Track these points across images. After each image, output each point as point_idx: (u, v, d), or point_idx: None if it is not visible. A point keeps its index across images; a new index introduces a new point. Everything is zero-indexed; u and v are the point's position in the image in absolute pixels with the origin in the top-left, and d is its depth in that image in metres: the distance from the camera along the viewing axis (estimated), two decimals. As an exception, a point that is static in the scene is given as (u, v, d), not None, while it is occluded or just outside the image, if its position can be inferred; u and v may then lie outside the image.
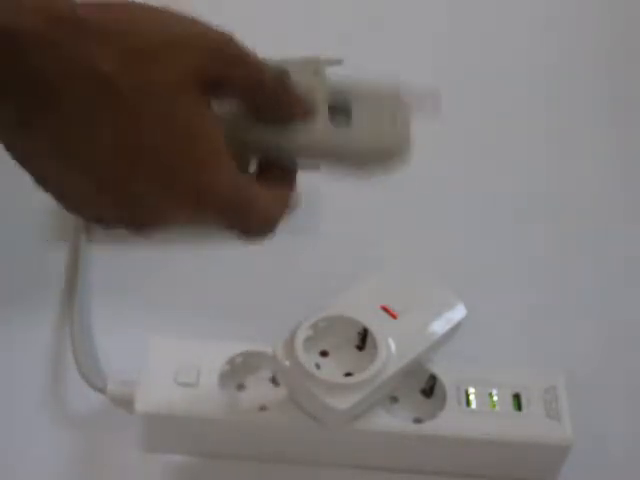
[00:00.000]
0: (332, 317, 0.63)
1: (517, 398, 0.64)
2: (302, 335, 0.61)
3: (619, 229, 0.81)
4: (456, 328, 0.65)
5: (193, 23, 0.49)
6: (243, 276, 0.75)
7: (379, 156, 0.53)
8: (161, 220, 0.49)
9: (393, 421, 0.63)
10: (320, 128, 0.51)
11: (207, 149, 0.46)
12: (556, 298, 0.76)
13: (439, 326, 0.64)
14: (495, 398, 0.64)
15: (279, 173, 0.51)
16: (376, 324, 0.63)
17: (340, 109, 0.51)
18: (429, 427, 0.63)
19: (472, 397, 0.64)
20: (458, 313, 0.65)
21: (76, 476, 0.64)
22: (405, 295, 0.65)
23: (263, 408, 0.63)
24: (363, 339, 0.63)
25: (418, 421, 0.64)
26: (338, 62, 0.87)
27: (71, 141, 0.45)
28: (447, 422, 0.63)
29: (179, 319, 0.71)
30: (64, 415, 0.66)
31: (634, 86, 0.93)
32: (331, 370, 0.61)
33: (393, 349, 0.62)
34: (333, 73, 0.57)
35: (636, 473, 0.67)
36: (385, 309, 0.64)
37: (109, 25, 0.45)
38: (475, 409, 0.63)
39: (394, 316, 0.64)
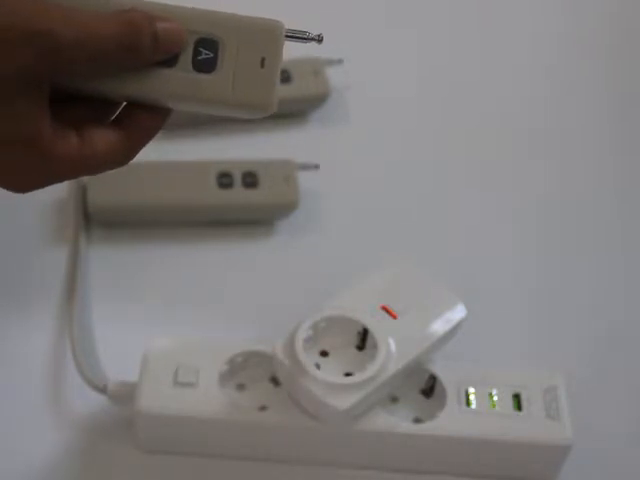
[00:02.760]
0: (332, 317, 0.63)
1: (517, 398, 0.64)
2: (302, 335, 0.61)
3: (619, 229, 0.81)
4: (456, 328, 0.65)
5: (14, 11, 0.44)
6: (243, 276, 0.75)
7: (238, 108, 0.49)
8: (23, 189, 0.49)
9: (393, 421, 0.63)
10: (178, 74, 0.48)
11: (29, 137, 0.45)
12: (556, 298, 0.76)
13: (439, 326, 0.64)
14: (495, 398, 0.64)
15: (138, 115, 0.49)
16: (376, 324, 0.63)
17: (208, 46, 0.48)
18: (429, 427, 0.63)
19: (472, 397, 0.64)
20: (458, 313, 0.65)
21: (76, 476, 0.64)
22: (405, 295, 0.65)
23: (263, 408, 0.63)
24: (363, 339, 0.63)
25: (418, 421, 0.64)
26: (338, 62, 0.87)
27: None
28: (447, 422, 0.63)
29: (179, 319, 0.71)
30: (64, 415, 0.66)
31: (634, 86, 0.93)
32: (331, 370, 0.61)
33: (393, 349, 0.62)
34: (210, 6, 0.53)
35: (636, 473, 0.67)
36: (385, 309, 0.64)
37: None
38: (475, 409, 0.63)
39: (394, 316, 0.64)
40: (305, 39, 0.51)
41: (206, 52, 0.48)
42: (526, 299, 0.76)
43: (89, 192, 0.75)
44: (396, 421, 0.63)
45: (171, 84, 0.47)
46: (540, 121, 0.89)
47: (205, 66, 0.48)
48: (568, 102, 0.91)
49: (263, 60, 0.49)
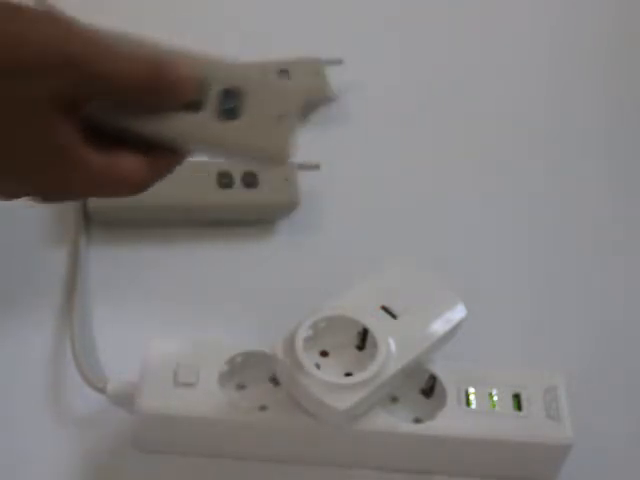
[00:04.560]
0: (332, 317, 0.63)
1: (517, 398, 0.64)
2: (302, 335, 0.61)
3: (619, 229, 0.81)
4: (456, 328, 0.65)
5: (48, 36, 0.48)
6: (243, 276, 0.75)
7: (254, 156, 0.53)
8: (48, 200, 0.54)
9: (393, 421, 0.63)
10: (201, 120, 0.50)
11: (57, 154, 0.50)
12: (556, 298, 0.76)
13: (439, 326, 0.64)
14: (495, 398, 0.64)
15: (160, 153, 0.53)
16: (376, 324, 0.63)
17: (233, 97, 0.51)
18: (429, 427, 0.63)
19: (472, 397, 0.64)
20: (458, 313, 0.65)
21: (76, 476, 0.63)
22: (405, 295, 0.65)
23: (263, 408, 0.63)
24: (363, 339, 0.63)
25: (418, 421, 0.64)
26: (338, 62, 0.87)
27: None
28: (447, 422, 0.63)
29: (179, 319, 0.71)
30: (64, 415, 0.66)
31: (634, 86, 0.93)
32: (331, 370, 0.61)
33: (393, 349, 0.62)
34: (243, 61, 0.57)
35: (636, 473, 0.67)
36: (385, 309, 0.64)
37: None
38: (475, 409, 0.63)
39: (394, 316, 0.64)
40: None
41: (230, 102, 0.51)
42: (526, 299, 0.76)
43: (89, 192, 0.75)
44: (396, 421, 0.63)
45: (194, 129, 0.50)
46: (540, 121, 0.89)
47: (228, 114, 0.51)
48: (568, 102, 0.91)
49: (282, 115, 0.52)
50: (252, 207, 0.77)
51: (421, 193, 0.82)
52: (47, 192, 0.53)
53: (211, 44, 0.89)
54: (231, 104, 0.51)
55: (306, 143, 0.83)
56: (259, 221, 0.78)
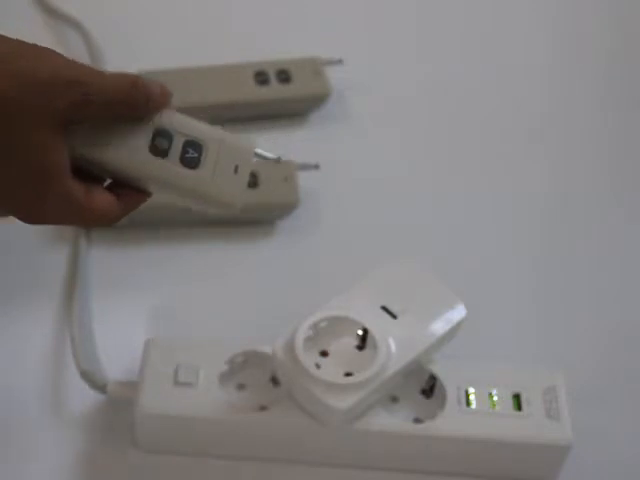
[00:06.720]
0: (332, 317, 0.63)
1: (517, 398, 0.64)
2: (302, 335, 0.61)
3: (619, 229, 0.81)
4: (456, 328, 0.65)
5: (46, 65, 0.54)
6: (243, 276, 0.75)
7: (209, 202, 0.59)
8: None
9: (393, 421, 0.63)
10: (166, 164, 0.57)
11: (44, 173, 0.54)
12: (556, 298, 0.76)
13: (439, 326, 0.64)
14: (495, 398, 0.64)
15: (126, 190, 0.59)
16: (376, 324, 0.63)
17: (195, 147, 0.58)
18: (429, 427, 0.63)
19: (472, 397, 0.64)
20: (458, 313, 0.65)
21: (76, 476, 0.64)
22: (405, 295, 0.65)
23: (263, 408, 0.63)
24: (363, 339, 0.63)
25: (418, 421, 0.64)
26: (338, 62, 0.87)
27: None
28: (447, 422, 0.63)
29: (179, 319, 0.71)
30: (64, 415, 0.66)
31: (633, 86, 0.93)
32: (331, 370, 0.61)
33: (393, 349, 0.62)
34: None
35: (636, 473, 0.67)
36: (385, 309, 0.64)
37: None
38: (475, 409, 0.63)
39: (394, 316, 0.64)
40: (268, 159, 0.62)
41: (192, 152, 0.58)
42: (526, 299, 0.76)
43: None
44: (396, 421, 0.63)
45: (160, 171, 0.57)
46: (540, 121, 0.89)
47: (190, 163, 0.58)
48: (568, 102, 0.91)
49: (237, 167, 0.59)
50: (252, 207, 0.77)
51: (421, 193, 0.82)
52: (24, 210, 0.56)
53: (211, 44, 0.90)
54: (193, 154, 0.58)
55: (306, 143, 0.84)
56: (259, 221, 0.78)
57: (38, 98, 0.53)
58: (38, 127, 0.53)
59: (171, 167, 0.57)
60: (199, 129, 0.59)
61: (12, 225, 0.74)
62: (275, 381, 0.64)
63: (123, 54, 0.87)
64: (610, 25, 0.99)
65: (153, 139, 0.57)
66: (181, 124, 0.58)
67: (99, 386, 0.65)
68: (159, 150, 0.57)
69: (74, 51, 0.88)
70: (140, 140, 0.57)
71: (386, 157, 0.84)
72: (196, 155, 0.58)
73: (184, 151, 0.58)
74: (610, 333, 0.74)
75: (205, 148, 0.58)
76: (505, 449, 0.63)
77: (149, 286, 0.73)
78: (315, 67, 0.86)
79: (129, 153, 0.56)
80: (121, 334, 0.70)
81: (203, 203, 0.59)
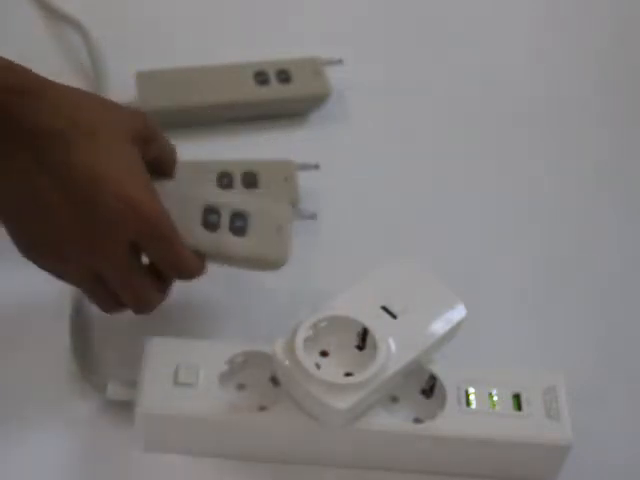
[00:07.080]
0: (332, 317, 0.63)
1: (517, 398, 0.64)
2: (302, 335, 0.61)
3: (618, 229, 0.81)
4: (456, 328, 0.65)
5: (112, 108, 0.62)
6: (243, 276, 0.75)
7: (262, 263, 0.67)
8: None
9: (393, 421, 0.63)
10: (218, 236, 0.65)
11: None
12: (556, 298, 0.76)
13: (439, 326, 0.64)
14: (495, 398, 0.64)
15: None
16: (376, 324, 0.63)
17: (240, 218, 0.66)
18: (429, 427, 0.63)
19: (472, 397, 0.64)
20: (458, 313, 0.65)
21: (76, 476, 0.64)
22: (405, 295, 0.65)
23: (263, 408, 0.63)
24: (363, 339, 0.63)
25: (418, 421, 0.64)
26: (338, 62, 0.87)
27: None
28: (447, 422, 0.63)
29: (179, 319, 0.71)
30: (64, 415, 0.66)
31: (633, 86, 0.93)
32: (331, 370, 0.61)
33: (393, 349, 0.62)
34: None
35: (636, 473, 0.67)
36: (385, 309, 0.64)
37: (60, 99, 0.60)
38: (475, 409, 0.63)
39: (394, 316, 0.64)
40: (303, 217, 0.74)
41: (239, 222, 0.66)
42: (526, 299, 0.76)
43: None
44: (396, 421, 0.63)
45: (214, 243, 0.65)
46: (541, 121, 0.89)
47: (238, 232, 0.66)
48: (568, 102, 0.91)
49: (279, 227, 0.67)
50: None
51: (421, 193, 0.82)
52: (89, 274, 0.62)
53: (211, 44, 0.90)
54: (240, 224, 0.66)
55: (306, 143, 0.84)
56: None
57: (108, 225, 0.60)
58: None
59: (222, 238, 0.65)
60: (243, 200, 0.67)
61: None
62: (275, 381, 0.64)
63: (123, 54, 0.87)
64: (610, 25, 0.99)
65: (204, 216, 0.65)
66: (221, 197, 0.66)
67: (99, 386, 0.65)
68: (211, 224, 0.65)
69: (74, 51, 0.88)
70: (193, 219, 0.65)
71: (386, 157, 0.84)
72: (242, 224, 0.66)
73: (231, 222, 0.66)
74: (610, 333, 0.74)
75: (249, 216, 0.66)
76: (505, 449, 0.63)
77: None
78: (315, 67, 0.86)
79: (186, 233, 0.63)
80: (121, 334, 0.69)
81: (253, 266, 0.67)
